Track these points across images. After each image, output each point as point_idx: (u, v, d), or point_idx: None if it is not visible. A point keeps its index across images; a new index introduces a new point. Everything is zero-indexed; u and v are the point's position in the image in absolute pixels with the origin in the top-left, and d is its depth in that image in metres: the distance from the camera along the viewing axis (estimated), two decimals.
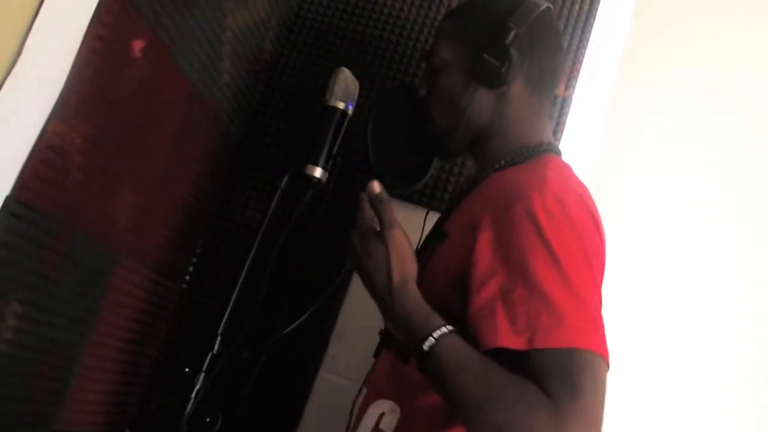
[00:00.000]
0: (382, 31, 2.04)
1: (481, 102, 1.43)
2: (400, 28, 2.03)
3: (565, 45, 1.91)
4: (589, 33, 1.97)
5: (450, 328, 1.18)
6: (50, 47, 1.22)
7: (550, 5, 1.51)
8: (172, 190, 1.74)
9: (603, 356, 1.11)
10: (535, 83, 1.45)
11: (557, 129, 1.90)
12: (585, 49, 1.96)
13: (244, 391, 1.68)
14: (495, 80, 1.41)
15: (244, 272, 1.56)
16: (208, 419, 1.53)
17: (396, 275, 1.28)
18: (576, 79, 1.94)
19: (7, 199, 1.19)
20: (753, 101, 1.98)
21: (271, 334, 1.62)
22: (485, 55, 1.40)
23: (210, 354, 1.51)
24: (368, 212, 1.37)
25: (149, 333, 1.84)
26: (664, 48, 2.05)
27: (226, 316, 1.54)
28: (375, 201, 1.35)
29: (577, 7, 1.98)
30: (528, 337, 1.10)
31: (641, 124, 2.01)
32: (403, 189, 1.65)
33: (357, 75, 1.65)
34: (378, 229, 1.34)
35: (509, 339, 1.12)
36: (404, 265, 1.30)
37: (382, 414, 1.31)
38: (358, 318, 1.84)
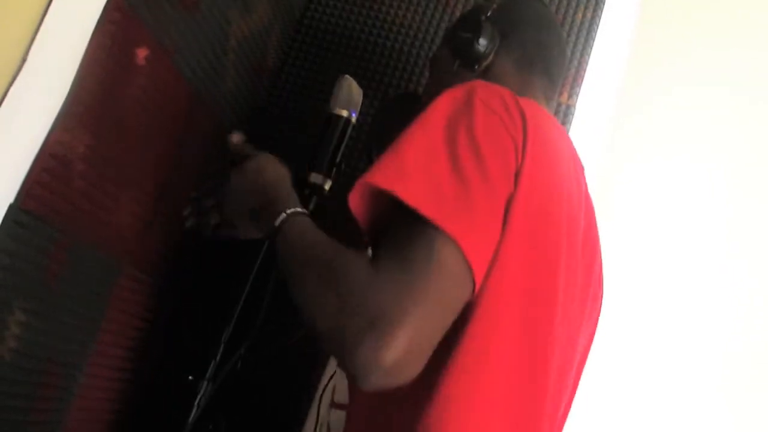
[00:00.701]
0: (386, 38, 2.04)
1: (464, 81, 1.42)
2: (404, 36, 2.03)
3: (562, 33, 1.89)
4: (593, 41, 1.97)
5: (303, 210, 1.20)
6: (53, 56, 1.22)
7: None
8: (174, 197, 1.73)
9: (464, 249, 0.99)
10: (519, 58, 1.44)
11: None
12: (588, 57, 1.96)
13: (256, 402, 1.67)
14: (472, 55, 1.40)
15: (248, 280, 1.56)
16: (211, 427, 1.52)
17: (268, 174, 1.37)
18: (579, 87, 1.94)
19: (11, 207, 1.19)
20: (758, 111, 1.98)
21: (274, 341, 1.62)
22: (459, 32, 1.41)
23: (213, 362, 1.51)
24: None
25: (152, 341, 1.83)
26: (667, 56, 2.05)
27: (230, 324, 1.53)
28: (239, 149, 1.46)
29: (580, 15, 1.98)
30: (394, 184, 1.03)
31: (645, 132, 2.01)
32: None
33: (361, 83, 1.65)
34: None
35: (376, 177, 1.05)
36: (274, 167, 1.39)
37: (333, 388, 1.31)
38: None
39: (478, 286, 1.03)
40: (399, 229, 1.02)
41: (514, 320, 1.08)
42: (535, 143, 1.12)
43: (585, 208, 1.28)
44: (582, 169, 1.36)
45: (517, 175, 1.08)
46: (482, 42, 1.39)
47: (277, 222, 1.18)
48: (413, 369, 0.96)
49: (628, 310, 1.87)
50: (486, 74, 1.43)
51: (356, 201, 1.08)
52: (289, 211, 1.18)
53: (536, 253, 1.11)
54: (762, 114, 1.98)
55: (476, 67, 1.42)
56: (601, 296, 1.41)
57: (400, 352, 0.91)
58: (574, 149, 1.35)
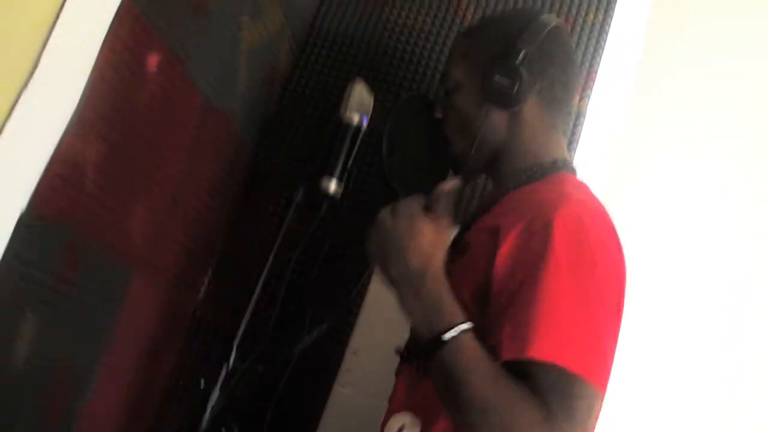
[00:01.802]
0: (397, 42, 2.03)
1: (495, 123, 1.45)
2: (415, 39, 2.03)
3: (579, 57, 1.91)
4: (604, 42, 1.96)
5: (471, 325, 1.19)
6: (65, 63, 1.22)
7: (561, 22, 1.52)
8: (186, 203, 1.74)
9: (602, 390, 1.15)
10: (549, 101, 1.47)
11: (572, 140, 1.89)
12: (600, 59, 1.95)
13: (269, 408, 1.67)
14: (507, 101, 1.43)
15: (259, 286, 1.56)
16: None
17: (433, 258, 1.28)
18: (591, 89, 1.93)
19: (23, 213, 1.19)
20: None
21: (286, 348, 1.61)
22: (496, 76, 1.41)
23: (225, 368, 1.50)
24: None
25: (164, 347, 1.83)
26: (678, 57, 2.04)
27: (241, 329, 1.53)
28: (438, 194, 1.39)
29: (591, 16, 1.97)
30: (522, 346, 1.12)
31: (656, 135, 2.00)
32: None
33: (371, 86, 1.64)
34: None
35: (509, 349, 1.14)
36: (438, 250, 1.31)
37: (402, 427, 1.31)
38: (374, 333, 1.83)
39: None
40: (558, 384, 1.12)
41: None
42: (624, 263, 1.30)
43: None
44: None
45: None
46: (520, 89, 1.41)
47: (447, 336, 1.18)
48: None
49: (643, 308, 1.87)
50: (516, 116, 1.45)
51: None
52: (463, 327, 1.18)
53: None
54: None
55: (509, 110, 1.44)
56: None
57: None
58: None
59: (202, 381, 1.50)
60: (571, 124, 1.90)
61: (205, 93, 1.66)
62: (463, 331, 1.17)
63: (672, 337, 1.88)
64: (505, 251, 1.22)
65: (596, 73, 1.94)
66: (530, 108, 1.45)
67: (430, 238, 1.30)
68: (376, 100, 1.67)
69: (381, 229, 1.33)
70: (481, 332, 1.19)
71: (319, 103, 2.03)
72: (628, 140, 1.95)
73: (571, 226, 1.20)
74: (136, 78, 1.41)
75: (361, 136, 1.59)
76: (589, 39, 1.96)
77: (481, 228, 1.38)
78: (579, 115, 1.91)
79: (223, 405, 1.49)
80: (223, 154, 1.85)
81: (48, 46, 1.19)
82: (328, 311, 1.59)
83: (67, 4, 1.19)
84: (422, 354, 1.26)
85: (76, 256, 1.37)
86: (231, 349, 1.52)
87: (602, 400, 1.14)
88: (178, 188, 1.69)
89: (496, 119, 1.45)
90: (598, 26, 1.97)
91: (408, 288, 1.27)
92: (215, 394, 1.49)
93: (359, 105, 1.59)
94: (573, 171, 1.47)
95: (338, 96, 1.66)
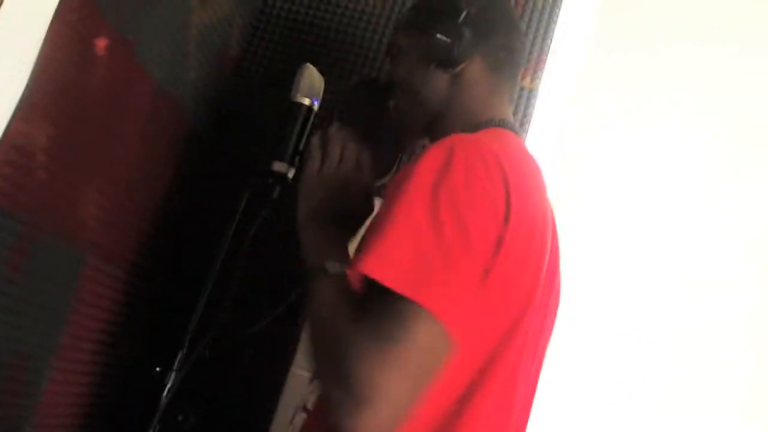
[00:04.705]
0: (347, 26, 2.04)
1: (436, 84, 1.45)
2: (365, 23, 2.04)
3: (526, 30, 1.92)
4: (555, 24, 1.98)
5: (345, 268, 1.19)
6: (12, 46, 1.21)
7: None
8: (138, 188, 1.73)
9: (438, 316, 1.07)
10: (491, 64, 1.46)
11: (524, 121, 1.91)
12: (550, 40, 1.97)
13: (226, 391, 1.67)
14: (447, 60, 1.42)
15: (214, 270, 1.56)
16: (180, 417, 1.52)
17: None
18: (542, 70, 1.95)
19: None
20: (728, 88, 2.00)
21: (241, 331, 1.62)
22: (437, 35, 1.41)
23: (180, 352, 1.51)
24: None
25: (119, 333, 1.83)
26: (629, 37, 2.06)
27: (197, 314, 1.53)
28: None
29: None
30: (366, 265, 1.09)
31: (608, 115, 2.03)
32: None
33: (322, 70, 1.65)
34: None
35: (355, 263, 1.12)
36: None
37: (311, 393, 1.33)
38: None
39: (458, 345, 1.11)
40: (378, 302, 1.08)
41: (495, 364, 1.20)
42: (517, 205, 1.18)
43: (551, 236, 1.35)
44: (545, 187, 1.40)
45: (499, 240, 1.15)
46: (461, 48, 1.41)
47: (331, 270, 1.20)
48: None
49: (597, 306, 1.90)
50: (458, 77, 1.45)
51: (354, 278, 1.13)
52: (341, 267, 1.19)
53: (509, 305, 1.21)
54: (727, 97, 2.00)
55: (449, 69, 1.44)
56: (557, 307, 1.46)
57: (374, 423, 1.03)
58: (541, 172, 1.39)
59: (158, 366, 1.51)
60: (523, 106, 1.92)
61: (155, 77, 1.65)
62: (344, 272, 1.17)
63: (627, 320, 1.91)
64: (388, 191, 1.23)
65: (547, 54, 1.96)
66: (472, 70, 1.44)
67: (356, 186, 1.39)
68: (327, 83, 1.68)
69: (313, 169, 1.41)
70: None
71: (270, 86, 2.03)
72: (581, 120, 1.98)
73: (439, 155, 1.16)
74: (84, 62, 1.40)
75: (312, 118, 1.59)
76: (539, 20, 1.98)
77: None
78: (531, 97, 1.93)
79: (180, 390, 1.49)
80: (175, 138, 1.84)
81: None
82: (283, 293, 1.59)
83: None
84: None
85: (28, 242, 1.37)
86: (186, 333, 1.52)
87: (438, 326, 1.07)
88: (131, 173, 1.68)
89: (438, 80, 1.44)
90: (548, 8, 1.99)
91: (313, 223, 1.35)
92: (171, 378, 1.49)
93: (309, 88, 1.60)
94: (508, 128, 1.43)
95: (289, 80, 1.66)
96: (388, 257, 1.09)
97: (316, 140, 1.44)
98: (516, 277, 1.20)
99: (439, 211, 1.11)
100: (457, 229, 1.11)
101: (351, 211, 1.40)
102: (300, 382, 1.84)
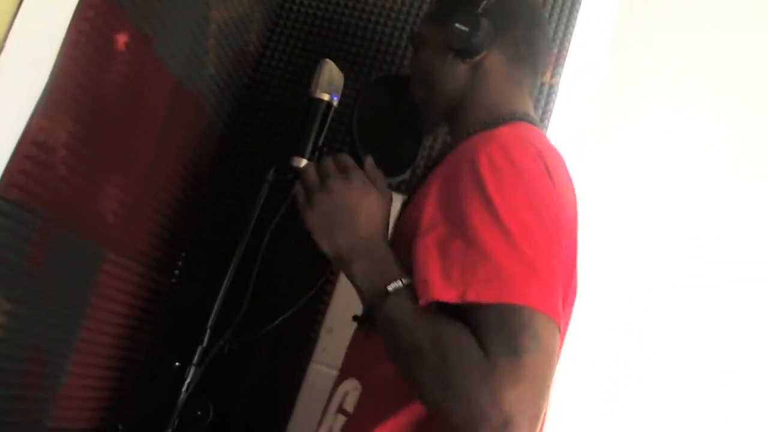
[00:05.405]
0: (368, 21, 2.03)
1: (455, 73, 1.45)
2: (385, 18, 2.03)
3: (548, 26, 1.90)
4: (575, 19, 1.97)
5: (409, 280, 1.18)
6: (32, 43, 1.21)
7: None
8: (158, 183, 1.73)
9: (547, 314, 1.07)
10: (511, 56, 1.46)
11: (544, 117, 1.90)
12: (571, 35, 1.96)
13: (244, 386, 1.68)
14: (466, 49, 1.42)
15: (232, 265, 1.56)
16: (199, 412, 1.53)
17: (378, 223, 1.33)
18: (563, 66, 1.94)
19: None
20: (750, 85, 1.98)
21: (261, 326, 1.62)
22: (456, 24, 1.41)
23: (200, 347, 1.51)
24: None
25: (139, 327, 1.83)
26: (651, 33, 2.05)
27: (215, 309, 1.54)
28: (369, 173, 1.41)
29: None
30: (461, 291, 1.08)
31: (630, 112, 2.01)
32: (390, 179, 1.65)
33: (342, 66, 1.65)
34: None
35: (442, 292, 1.10)
36: (381, 214, 1.35)
37: (346, 393, 1.32)
38: (348, 311, 1.82)
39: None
40: (487, 319, 1.07)
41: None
42: (561, 201, 1.23)
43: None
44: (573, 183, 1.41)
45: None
46: (479, 37, 1.41)
47: (391, 288, 1.18)
48: None
49: (612, 302, 1.89)
50: (477, 67, 1.45)
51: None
52: (405, 281, 1.18)
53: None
54: (754, 95, 1.98)
55: (468, 59, 1.44)
56: (574, 303, 1.46)
57: None
58: (566, 164, 1.38)
59: (177, 361, 1.51)
60: (543, 101, 1.91)
61: (175, 72, 1.66)
62: (406, 286, 1.17)
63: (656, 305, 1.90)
64: (432, 194, 1.21)
65: (568, 50, 1.95)
66: (492, 61, 1.44)
67: (375, 204, 1.35)
68: (347, 80, 1.67)
69: (322, 200, 1.35)
70: None
71: (289, 82, 2.03)
72: (602, 117, 1.96)
73: (496, 156, 1.17)
74: (104, 58, 1.40)
75: (331, 114, 1.59)
76: (560, 16, 1.97)
77: (426, 181, 1.38)
78: (551, 92, 1.92)
79: (199, 383, 1.49)
80: (194, 134, 1.85)
81: (14, 28, 1.19)
82: (302, 289, 1.59)
83: None
84: (368, 312, 1.26)
85: (48, 237, 1.37)
86: (206, 329, 1.53)
87: (553, 324, 1.07)
88: (150, 169, 1.68)
89: (456, 70, 1.45)
90: (569, 3, 1.98)
91: (357, 254, 1.28)
92: (190, 373, 1.49)
93: (329, 84, 1.60)
94: (532, 122, 1.43)
95: (309, 75, 1.66)
96: (489, 276, 1.08)
97: (306, 180, 1.40)
98: (567, 267, 1.25)
99: (518, 213, 1.13)
100: (539, 226, 1.14)
101: (376, 226, 1.35)
102: (319, 378, 1.84)
